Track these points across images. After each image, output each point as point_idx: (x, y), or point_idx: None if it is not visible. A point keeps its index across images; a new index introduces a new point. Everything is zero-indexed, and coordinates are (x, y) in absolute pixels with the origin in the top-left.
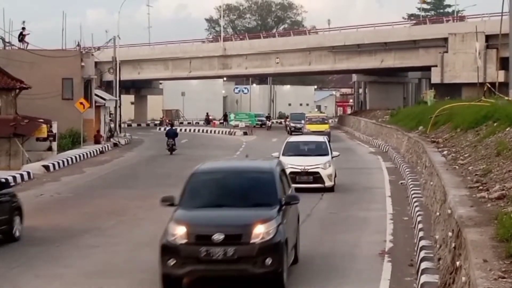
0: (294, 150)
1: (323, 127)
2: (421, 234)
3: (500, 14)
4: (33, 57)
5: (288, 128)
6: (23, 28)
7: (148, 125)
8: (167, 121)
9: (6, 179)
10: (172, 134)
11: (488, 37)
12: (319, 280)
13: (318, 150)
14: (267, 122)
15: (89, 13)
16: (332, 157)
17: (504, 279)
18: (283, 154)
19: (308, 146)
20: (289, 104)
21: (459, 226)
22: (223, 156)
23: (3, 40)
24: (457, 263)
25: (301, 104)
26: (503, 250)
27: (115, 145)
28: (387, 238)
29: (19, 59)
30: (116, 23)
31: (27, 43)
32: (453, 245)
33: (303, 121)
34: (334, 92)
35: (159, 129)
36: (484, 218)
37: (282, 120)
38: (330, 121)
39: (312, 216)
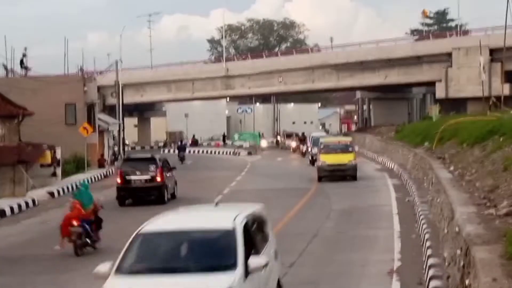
0: (149, 258)
1: (346, 159)
2: (429, 252)
3: (504, 27)
4: (35, 83)
5: (310, 156)
6: (24, 55)
7: (152, 147)
8: (191, 140)
9: (174, 167)
10: (182, 149)
11: (492, 51)
12: None
13: (211, 254)
14: (302, 146)
15: (91, 37)
16: (248, 274)
17: None
18: (119, 270)
19: (187, 242)
20: (293, 123)
21: (468, 244)
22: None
23: (5, 67)
24: (467, 281)
25: (305, 122)
26: None
27: None
28: (395, 256)
29: (22, 86)
30: (117, 46)
31: (29, 68)
32: (461, 263)
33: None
34: (338, 109)
35: (163, 151)
36: (493, 236)
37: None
38: (356, 148)
39: (319, 236)
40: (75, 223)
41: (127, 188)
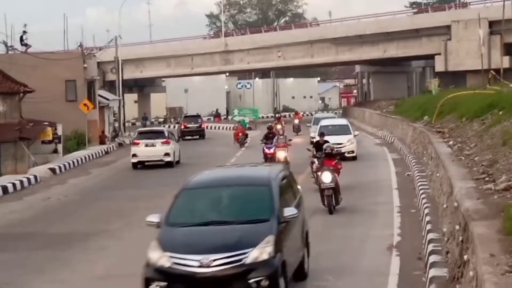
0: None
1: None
2: (428, 227)
3: None
4: (35, 60)
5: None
6: (24, 32)
7: (152, 123)
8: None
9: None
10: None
11: (491, 23)
12: (328, 275)
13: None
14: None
15: (89, 12)
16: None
17: (511, 274)
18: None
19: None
20: (293, 97)
21: (466, 220)
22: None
23: (6, 44)
24: (465, 257)
25: (304, 97)
26: (510, 244)
27: (120, 145)
28: (395, 231)
29: (22, 63)
30: (116, 22)
31: (29, 45)
32: (460, 238)
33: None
34: (337, 84)
35: (163, 126)
36: (491, 211)
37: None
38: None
39: (318, 211)
40: (240, 134)
41: (186, 130)
